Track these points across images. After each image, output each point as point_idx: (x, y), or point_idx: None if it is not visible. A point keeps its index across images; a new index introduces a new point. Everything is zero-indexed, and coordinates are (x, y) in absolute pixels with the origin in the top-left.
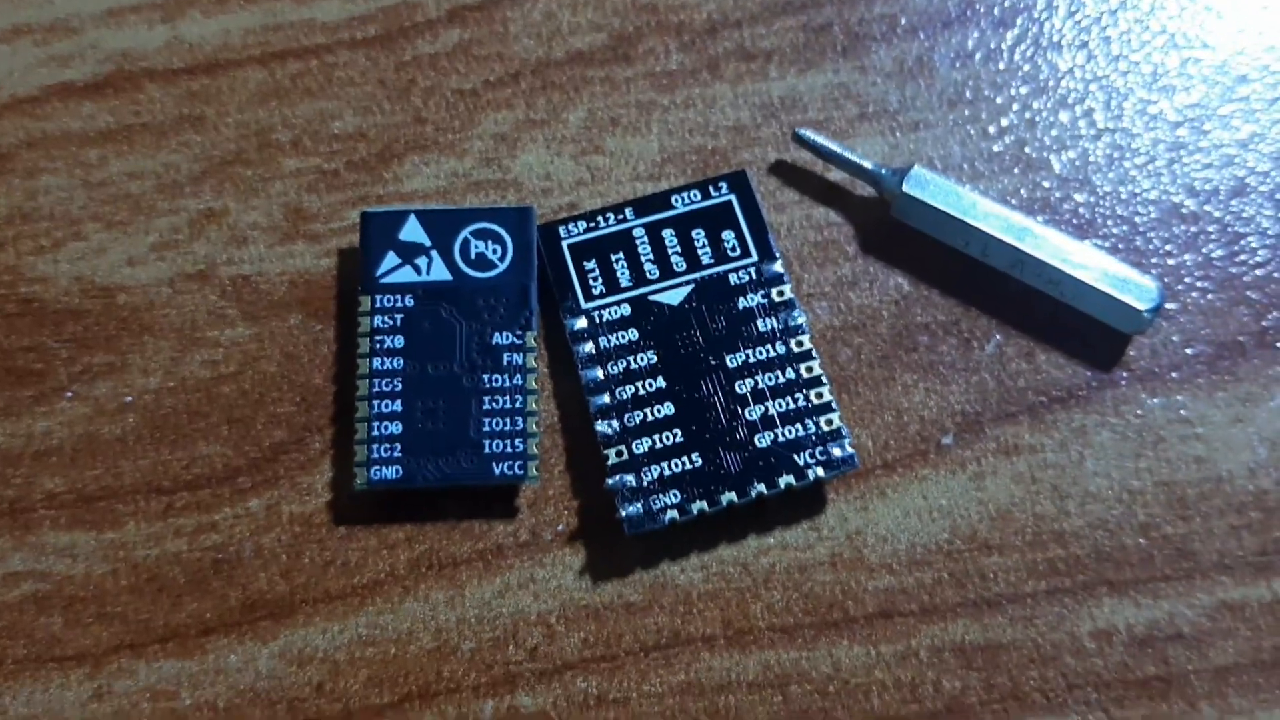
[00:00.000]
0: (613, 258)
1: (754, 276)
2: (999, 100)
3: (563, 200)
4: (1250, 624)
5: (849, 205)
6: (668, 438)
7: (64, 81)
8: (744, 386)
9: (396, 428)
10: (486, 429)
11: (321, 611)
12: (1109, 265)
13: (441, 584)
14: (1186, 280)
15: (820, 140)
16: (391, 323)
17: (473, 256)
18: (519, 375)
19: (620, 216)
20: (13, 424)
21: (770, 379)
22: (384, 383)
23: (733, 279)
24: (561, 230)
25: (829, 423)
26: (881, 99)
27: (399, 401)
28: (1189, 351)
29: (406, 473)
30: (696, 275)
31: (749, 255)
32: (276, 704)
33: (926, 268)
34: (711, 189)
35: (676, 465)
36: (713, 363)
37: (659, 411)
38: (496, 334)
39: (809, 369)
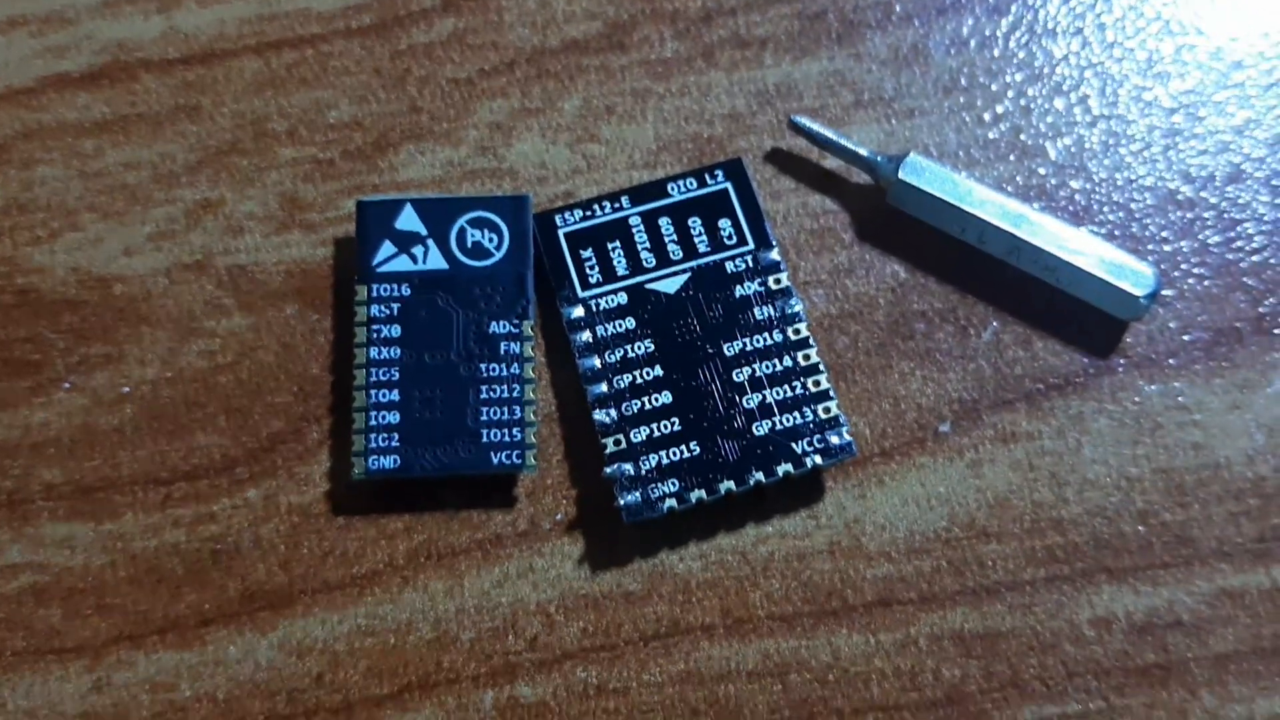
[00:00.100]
0: (609, 246)
1: (750, 264)
2: (994, 87)
3: (558, 189)
4: (1249, 611)
5: (845, 193)
6: (665, 426)
7: (59, 72)
8: (741, 374)
9: (394, 417)
10: (484, 418)
11: (320, 602)
12: (1105, 252)
13: (440, 574)
14: (1183, 266)
15: (816, 128)
16: (388, 312)
17: (469, 245)
18: (516, 364)
19: (616, 205)
20: (10, 415)
21: (767, 367)
22: (381, 372)
23: (729, 267)
24: (558, 219)
25: (826, 411)
26: (877, 86)
27: (396, 391)
28: (1186, 338)
29: (404, 462)
30: (693, 263)
31: (745, 243)
32: (276, 695)
33: (923, 255)
34: (707, 177)
35: (674, 454)
36: (710, 351)
37: (656, 400)
38: (493, 323)
39: (806, 357)
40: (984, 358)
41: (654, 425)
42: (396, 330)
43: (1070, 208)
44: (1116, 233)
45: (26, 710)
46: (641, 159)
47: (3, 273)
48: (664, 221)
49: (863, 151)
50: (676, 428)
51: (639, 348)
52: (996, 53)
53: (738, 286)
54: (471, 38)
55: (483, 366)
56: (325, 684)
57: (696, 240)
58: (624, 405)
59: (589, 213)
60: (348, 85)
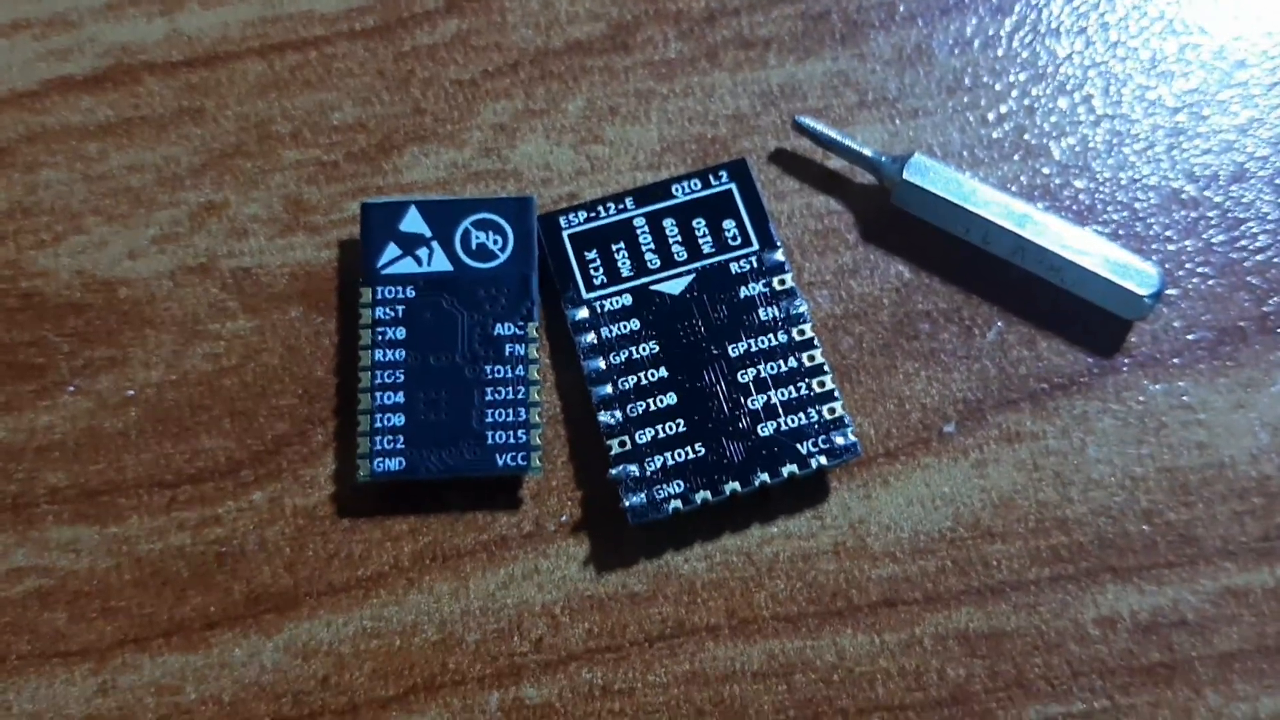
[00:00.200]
0: (613, 247)
1: (755, 265)
2: (998, 87)
3: (563, 190)
4: (1254, 610)
5: (849, 193)
6: (670, 427)
7: (63, 75)
8: (746, 375)
9: (399, 419)
10: (489, 420)
11: (326, 604)
12: (1110, 251)
13: (445, 575)
14: (1187, 266)
15: (820, 128)
16: (393, 314)
17: (474, 247)
18: (521, 366)
19: (621, 206)
20: (15, 419)
21: (772, 368)
22: (386, 374)
23: (734, 268)
24: (562, 220)
25: (831, 411)
26: (881, 86)
27: (401, 393)
28: (1190, 337)
29: (409, 464)
30: (698, 264)
31: (750, 244)
32: (282, 697)
33: (927, 255)
34: (712, 178)
35: (679, 455)
36: (715, 352)
37: (661, 401)
38: (498, 325)
39: (811, 358)
40: (988, 358)
41: (659, 427)
42: (401, 332)
43: (1074, 207)
44: (1121, 232)
45: (32, 714)
46: (645, 160)
47: (7, 276)
48: (668, 222)
49: (867, 152)
50: (681, 429)
51: (644, 349)
52: (1000, 52)
53: (742, 287)
54: (475, 39)
55: (487, 368)
56: (331, 686)
57: (701, 241)
58: (629, 407)
59: (593, 214)
60: (351, 87)
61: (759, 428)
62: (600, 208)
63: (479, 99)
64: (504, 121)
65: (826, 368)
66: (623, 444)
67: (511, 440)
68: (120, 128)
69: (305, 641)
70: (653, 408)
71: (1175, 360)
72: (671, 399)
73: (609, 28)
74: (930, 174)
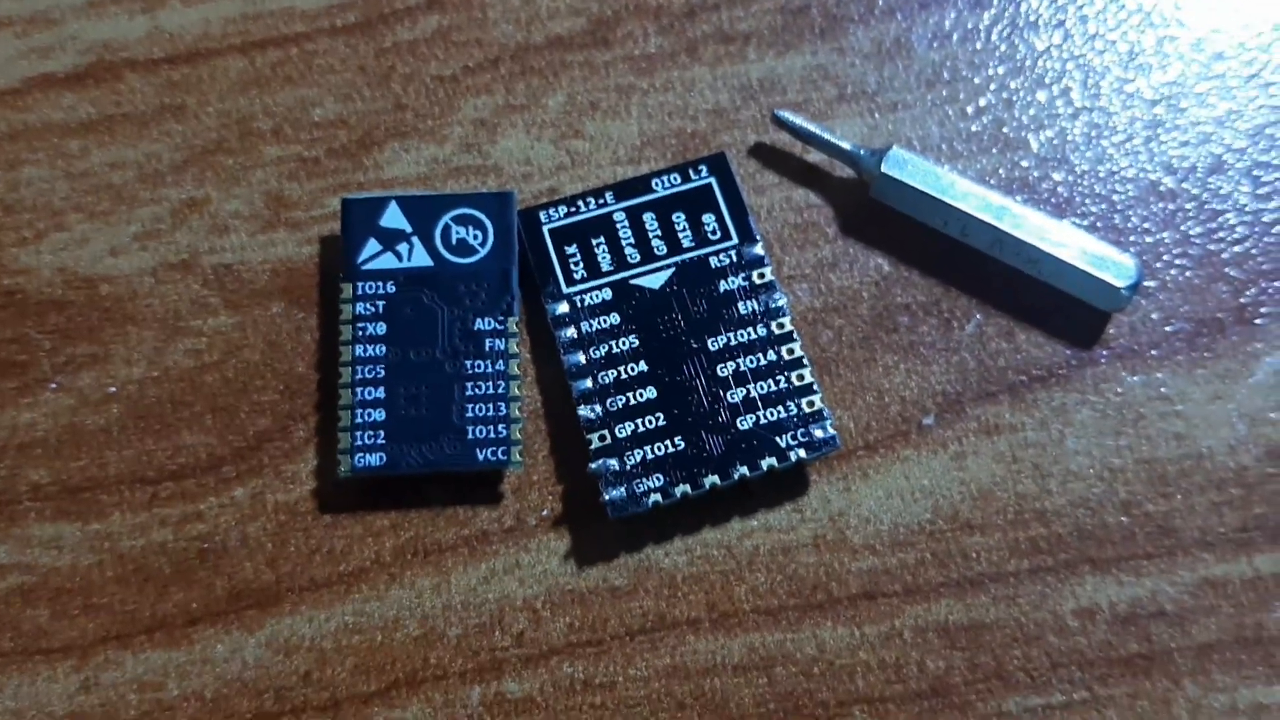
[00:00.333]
0: (593, 242)
1: (735, 259)
2: (976, 80)
3: (543, 185)
4: (1232, 600)
5: (828, 187)
6: (650, 421)
7: (45, 73)
8: (725, 369)
9: (380, 415)
10: (469, 415)
11: (308, 600)
12: (1088, 244)
13: (427, 570)
14: (1165, 258)
15: (799, 122)
16: (373, 310)
17: (454, 242)
18: (501, 361)
19: (601, 200)
20: None
21: (752, 361)
22: (366, 370)
23: (713, 262)
24: (542, 215)
25: (810, 404)
26: (860, 80)
27: (382, 388)
28: (1168, 329)
29: (390, 459)
30: (677, 259)
31: (729, 238)
32: (264, 693)
33: (906, 248)
34: (691, 172)
35: (659, 449)
36: (694, 346)
37: (641, 395)
38: (478, 320)
39: (790, 351)
40: (967, 350)
41: (639, 421)
42: (382, 328)
43: (1053, 200)
44: (1099, 224)
45: (14, 711)
46: (626, 154)
47: None
48: (648, 217)
49: (846, 145)
50: (661, 423)
51: (623, 343)
52: (979, 46)
53: (722, 281)
54: (455, 35)
55: (468, 363)
56: (313, 682)
57: (681, 235)
58: (609, 401)
59: (573, 209)
60: (332, 83)
61: (738, 421)
62: (580, 202)
63: (460, 94)
64: (484, 117)
65: (805, 361)
66: (603, 438)
67: (492, 435)
68: (102, 125)
69: (287, 637)
70: (632, 402)
71: (1153, 352)
72: (651, 393)
73: (589, 23)
74: (908, 167)
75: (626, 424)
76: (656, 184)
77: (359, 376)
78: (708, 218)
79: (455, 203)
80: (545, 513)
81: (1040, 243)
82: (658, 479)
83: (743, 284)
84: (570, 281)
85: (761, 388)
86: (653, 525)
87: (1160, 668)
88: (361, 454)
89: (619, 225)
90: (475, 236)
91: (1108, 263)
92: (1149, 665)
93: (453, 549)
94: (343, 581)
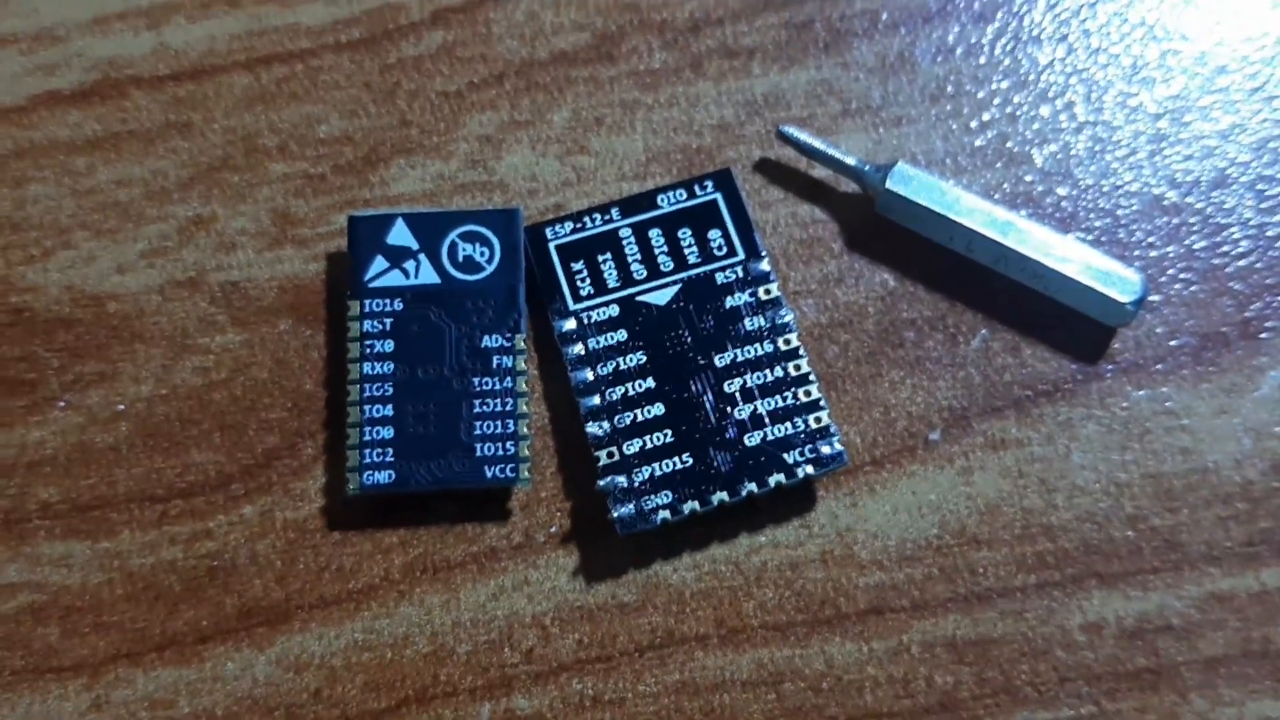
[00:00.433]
0: (600, 258)
1: (741, 275)
2: (980, 95)
3: (549, 201)
4: (1239, 614)
5: (833, 202)
6: (658, 438)
7: (50, 90)
8: (733, 385)
9: (388, 432)
10: (478, 432)
11: (317, 617)
12: (1092, 258)
13: (436, 587)
14: (1169, 272)
15: (804, 137)
16: (381, 327)
17: (460, 259)
18: (509, 378)
19: (606, 217)
20: (5, 434)
21: (759, 378)
22: (375, 387)
23: (719, 278)
24: (548, 231)
25: (818, 420)
26: (864, 95)
27: (390, 406)
28: (1173, 343)
29: (399, 477)
30: (684, 275)
31: (735, 254)
32: (274, 710)
33: (911, 263)
34: (697, 188)
35: (667, 465)
36: (701, 362)
37: (649, 412)
38: (486, 337)
39: (797, 367)
40: (973, 365)
41: (647, 437)
42: (389, 345)
43: (1057, 214)
44: (1103, 239)
45: None
46: (631, 170)
47: None
48: (654, 233)
49: (850, 161)
50: (669, 439)
51: (631, 360)
52: (982, 60)
53: (728, 297)
54: (460, 50)
55: (475, 380)
56: (323, 699)
57: (687, 251)
58: (616, 418)
59: (579, 225)
60: (338, 100)
61: (746, 437)
62: (586, 218)
63: (465, 111)
64: (490, 133)
65: (812, 377)
66: (611, 455)
67: (500, 452)
68: (108, 142)
69: (297, 654)
70: (640, 418)
71: (1158, 366)
72: (659, 409)
73: (593, 38)
74: (913, 183)
75: (634, 441)
76: (662, 200)
77: (367, 394)
78: (714, 233)
79: (462, 219)
80: (554, 529)
81: (1045, 258)
82: (666, 496)
83: (749, 300)
84: (577, 298)
85: (769, 404)
86: (661, 541)
87: (1167, 682)
88: (370, 471)
89: (625, 241)
90: (482, 253)
91: (1112, 278)
92: (1156, 680)
93: (462, 566)
94: (352, 599)
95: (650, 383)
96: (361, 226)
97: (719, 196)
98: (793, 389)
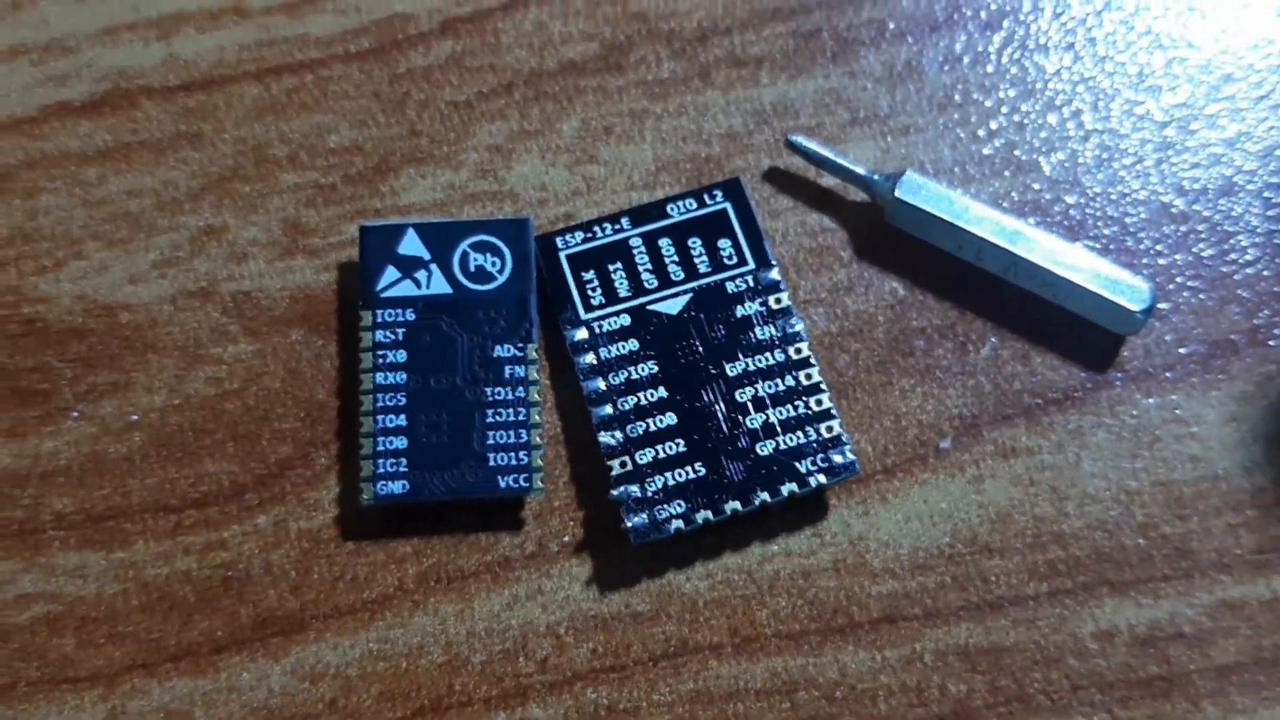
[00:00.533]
0: (610, 268)
1: (751, 284)
2: (988, 103)
3: (559, 210)
4: (1250, 622)
5: (843, 211)
6: (670, 448)
7: (61, 100)
8: (744, 395)
9: (401, 442)
10: (490, 442)
11: (332, 627)
12: (1101, 267)
13: (450, 597)
14: (1178, 280)
15: (813, 147)
16: (393, 337)
17: (472, 269)
18: (521, 388)
19: (617, 226)
20: (19, 444)
21: (770, 387)
22: (388, 397)
23: (730, 287)
24: (559, 241)
25: (829, 429)
26: (872, 103)
27: (403, 416)
28: (1182, 351)
29: (413, 487)
30: (694, 284)
31: (746, 263)
32: None
33: (921, 272)
34: (706, 197)
35: (680, 475)
36: (713, 371)
37: (661, 421)
38: (497, 346)
39: (808, 376)
40: (983, 373)
41: (659, 447)
42: (402, 355)
43: (1065, 223)
44: (1111, 247)
45: None
46: (640, 179)
47: (9, 302)
48: (664, 242)
49: (859, 170)
50: (681, 449)
51: (642, 369)
52: (990, 69)
53: (739, 306)
54: (469, 60)
55: (488, 390)
56: (338, 709)
57: (697, 260)
58: (629, 427)
59: (590, 234)
60: (347, 109)
61: (758, 446)
62: (596, 228)
63: (474, 120)
64: (499, 143)
65: (824, 386)
66: (624, 464)
67: (513, 462)
68: (119, 152)
69: (312, 665)
70: (653, 428)
71: (1168, 374)
72: (671, 419)
73: (602, 48)
74: (922, 192)
75: (647, 450)
76: (672, 209)
77: (380, 404)
78: (724, 243)
79: (472, 229)
80: (567, 538)
81: (1054, 266)
82: (679, 505)
83: (760, 309)
84: (588, 307)
85: (780, 413)
86: (674, 550)
87: (1180, 689)
88: (384, 482)
89: (635, 251)
90: (493, 263)
91: (1121, 286)
92: (1168, 687)
93: (475, 575)
94: (367, 609)
95: (662, 392)
96: (373, 236)
97: (729, 206)
98: (804, 398)
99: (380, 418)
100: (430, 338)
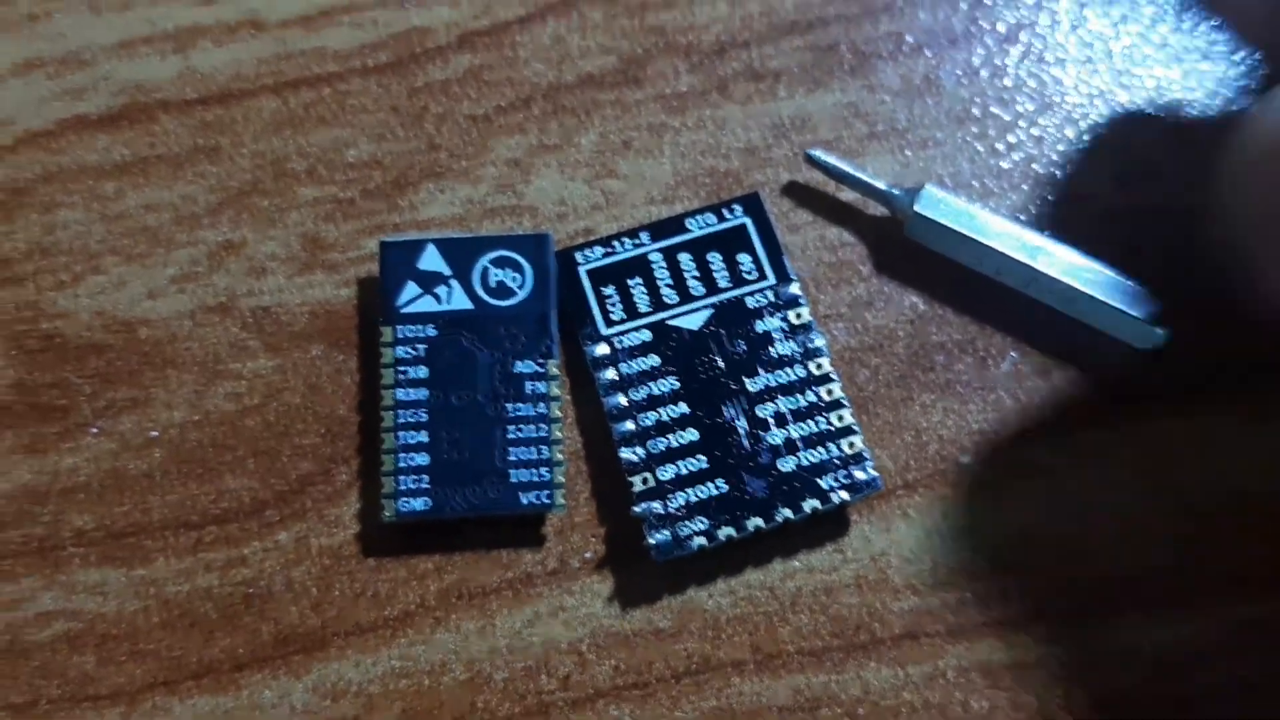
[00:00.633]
0: (630, 283)
1: (771, 299)
2: (1006, 117)
3: (578, 225)
4: (1273, 641)
5: (862, 225)
6: (692, 464)
7: (78, 114)
8: (765, 410)
9: (423, 459)
10: (512, 458)
11: (354, 644)
12: (1121, 282)
13: (472, 614)
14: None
15: (832, 161)
16: (414, 353)
17: (492, 284)
18: (542, 403)
19: (636, 241)
20: (39, 461)
21: (791, 402)
22: (409, 413)
23: (750, 302)
24: (578, 256)
25: (851, 445)
26: (890, 117)
27: (424, 432)
28: (1204, 368)
29: (435, 504)
30: (715, 299)
31: (766, 278)
32: None
33: (940, 286)
34: (725, 212)
35: (702, 491)
36: (734, 387)
37: (682, 438)
38: (518, 362)
39: (829, 391)
40: (1003, 388)
41: (680, 463)
42: (423, 371)
43: (1085, 238)
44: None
45: None
46: (659, 194)
47: (28, 318)
48: (684, 257)
49: (878, 184)
50: (703, 465)
51: (663, 385)
52: (1008, 82)
53: (759, 321)
54: (488, 74)
55: (509, 406)
56: None
57: (717, 275)
58: (650, 443)
59: (609, 249)
60: (366, 123)
61: (779, 463)
62: (616, 243)
63: (492, 134)
64: (518, 157)
65: (845, 401)
66: (645, 480)
67: (535, 478)
68: (136, 166)
69: (334, 682)
70: (674, 444)
71: (1189, 391)
72: (692, 435)
73: (620, 61)
74: (942, 206)
75: (668, 466)
76: (691, 224)
77: (401, 420)
78: (743, 257)
79: (493, 245)
80: (588, 555)
81: (1074, 281)
82: (701, 522)
83: (780, 324)
84: (609, 323)
85: (802, 429)
86: (695, 566)
87: (1203, 708)
88: (406, 498)
89: (655, 266)
90: (514, 279)
91: (1142, 302)
92: (1191, 706)
93: (497, 592)
94: (388, 625)
95: (683, 408)
96: (393, 252)
97: (748, 220)
98: (826, 414)
99: (401, 434)
100: (451, 353)
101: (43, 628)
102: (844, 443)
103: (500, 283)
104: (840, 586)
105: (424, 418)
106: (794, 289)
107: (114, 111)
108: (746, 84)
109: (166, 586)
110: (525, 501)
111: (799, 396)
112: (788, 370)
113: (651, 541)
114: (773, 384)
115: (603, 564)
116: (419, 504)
